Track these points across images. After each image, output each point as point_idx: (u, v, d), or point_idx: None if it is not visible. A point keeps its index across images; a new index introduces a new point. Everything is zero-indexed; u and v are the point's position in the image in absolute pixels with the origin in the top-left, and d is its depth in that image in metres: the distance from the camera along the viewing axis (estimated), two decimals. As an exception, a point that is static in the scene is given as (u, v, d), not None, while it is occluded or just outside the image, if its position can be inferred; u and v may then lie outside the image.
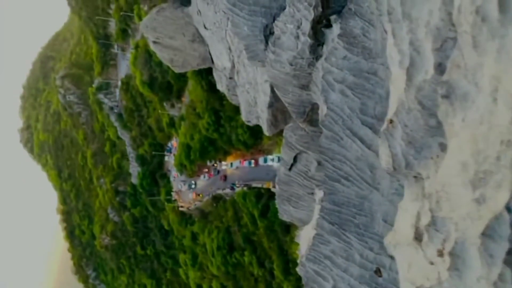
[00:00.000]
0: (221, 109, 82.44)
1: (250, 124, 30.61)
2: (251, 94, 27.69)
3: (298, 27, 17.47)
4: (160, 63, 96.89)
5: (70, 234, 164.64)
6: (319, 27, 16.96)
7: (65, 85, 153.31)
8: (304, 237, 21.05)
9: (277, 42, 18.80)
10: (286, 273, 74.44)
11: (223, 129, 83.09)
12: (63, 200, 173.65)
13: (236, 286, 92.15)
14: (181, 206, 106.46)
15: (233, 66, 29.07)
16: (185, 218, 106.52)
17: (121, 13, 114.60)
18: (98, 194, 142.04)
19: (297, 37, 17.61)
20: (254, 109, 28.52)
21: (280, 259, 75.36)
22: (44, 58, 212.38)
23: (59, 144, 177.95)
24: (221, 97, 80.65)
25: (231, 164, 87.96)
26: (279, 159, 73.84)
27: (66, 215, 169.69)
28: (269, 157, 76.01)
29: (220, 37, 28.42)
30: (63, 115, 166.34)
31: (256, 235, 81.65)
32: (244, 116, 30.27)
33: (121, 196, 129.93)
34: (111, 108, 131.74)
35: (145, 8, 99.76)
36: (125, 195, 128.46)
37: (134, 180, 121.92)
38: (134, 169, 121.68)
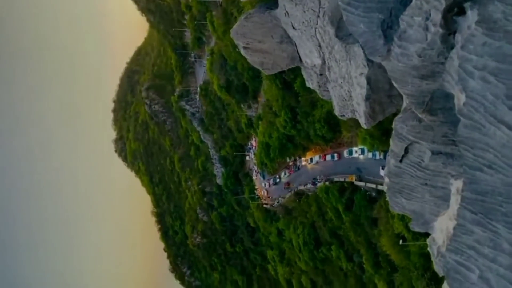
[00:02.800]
0: (297, 106, 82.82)
1: (344, 119, 30.76)
2: (345, 88, 27.94)
3: (427, 18, 17.52)
4: (235, 67, 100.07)
5: (165, 235, 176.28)
6: (450, 15, 16.84)
7: (150, 96, 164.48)
8: (439, 229, 20.93)
9: (403, 36, 18.95)
10: (376, 267, 72.68)
11: (300, 125, 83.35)
12: (156, 203, 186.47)
13: (326, 281, 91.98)
14: (265, 203, 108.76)
15: (324, 62, 29.48)
16: (269, 215, 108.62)
17: (195, 22, 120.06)
18: (187, 195, 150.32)
19: (426, 28, 17.66)
20: (348, 103, 28.74)
21: (369, 252, 73.76)
22: (130, 73, 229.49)
23: (149, 151, 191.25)
24: (296, 94, 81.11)
25: (311, 159, 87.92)
26: (363, 151, 72.35)
27: (160, 217, 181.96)
28: (354, 149, 74.63)
29: (310, 35, 28.99)
30: (150, 124, 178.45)
31: (342, 229, 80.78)
32: (337, 111, 30.52)
33: (208, 196, 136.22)
34: (193, 114, 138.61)
35: (214, 13, 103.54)
36: (212, 196, 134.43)
37: (219, 180, 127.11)
38: (218, 170, 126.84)
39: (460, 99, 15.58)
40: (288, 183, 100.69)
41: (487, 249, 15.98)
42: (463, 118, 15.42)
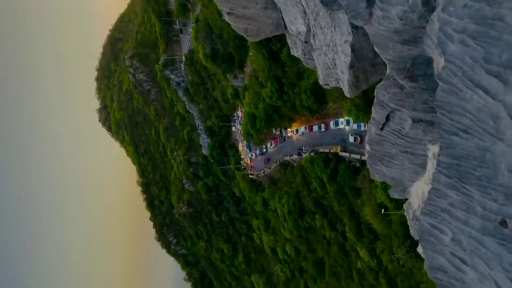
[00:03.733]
0: (283, 76, 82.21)
1: (328, 87, 30.56)
2: (330, 56, 27.58)
3: (409, -20, 17.10)
4: (221, 35, 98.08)
5: (151, 204, 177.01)
6: (432, -24, 16.47)
7: (134, 65, 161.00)
8: (415, 193, 21.37)
9: (385, -2, 18.51)
10: (359, 235, 74.64)
11: (286, 96, 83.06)
12: (142, 173, 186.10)
13: (309, 249, 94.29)
14: (251, 174, 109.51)
15: (309, 29, 28.91)
16: (255, 185, 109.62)
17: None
18: (173, 166, 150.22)
19: (408, -10, 17.24)
20: (333, 71, 28.46)
21: (352, 221, 75.54)
22: (113, 40, 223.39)
23: (134, 121, 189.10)
24: (282, 64, 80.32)
25: (297, 130, 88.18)
26: (348, 122, 72.80)
27: (146, 187, 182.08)
28: (340, 120, 74.94)
29: (294, 1, 28.29)
30: (135, 93, 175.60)
31: (326, 199, 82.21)
32: (321, 80, 30.26)
33: (194, 167, 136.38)
34: (178, 84, 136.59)
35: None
36: (198, 166, 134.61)
37: (205, 151, 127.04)
38: (204, 140, 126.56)
39: (439, 63, 15.54)
40: (267, 159, 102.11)
41: (460, 212, 16.50)
42: (441, 83, 15.43)
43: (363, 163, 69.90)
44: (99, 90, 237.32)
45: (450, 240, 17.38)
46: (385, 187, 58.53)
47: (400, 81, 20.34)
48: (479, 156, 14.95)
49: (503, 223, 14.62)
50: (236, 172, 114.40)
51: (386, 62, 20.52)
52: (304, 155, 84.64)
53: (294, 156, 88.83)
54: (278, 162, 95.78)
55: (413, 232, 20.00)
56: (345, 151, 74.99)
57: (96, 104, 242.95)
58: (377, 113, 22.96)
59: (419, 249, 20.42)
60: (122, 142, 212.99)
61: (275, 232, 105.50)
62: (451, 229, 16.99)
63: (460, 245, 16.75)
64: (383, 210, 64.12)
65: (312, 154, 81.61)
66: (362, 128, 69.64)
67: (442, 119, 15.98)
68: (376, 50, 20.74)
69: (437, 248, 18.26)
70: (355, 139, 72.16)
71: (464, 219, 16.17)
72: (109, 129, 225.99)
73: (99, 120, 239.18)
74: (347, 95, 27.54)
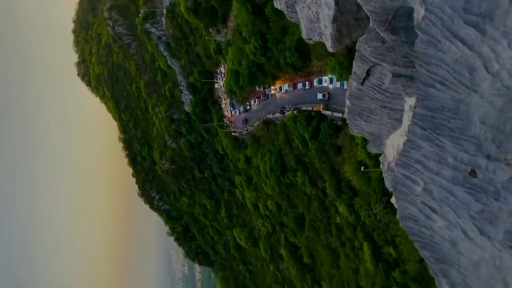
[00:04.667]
0: (267, 32, 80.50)
1: (311, 42, 30.23)
2: (313, 10, 27.13)
3: None
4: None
5: (133, 161, 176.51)
6: None
7: (112, 17, 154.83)
8: (390, 145, 21.87)
9: None
10: (338, 192, 76.54)
11: (270, 53, 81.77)
12: (123, 129, 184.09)
13: (290, 204, 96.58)
14: (234, 132, 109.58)
15: None
16: (238, 142, 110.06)
17: None
18: (155, 122, 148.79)
19: None
20: (316, 25, 28.12)
21: (332, 178, 77.14)
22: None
23: (114, 76, 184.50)
24: (267, 19, 78.40)
25: (280, 88, 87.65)
26: (332, 80, 72.64)
27: (127, 143, 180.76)
28: (324, 78, 74.64)
29: None
30: (114, 47, 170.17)
31: (308, 156, 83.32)
32: (304, 34, 29.87)
33: (176, 123, 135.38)
34: (159, 38, 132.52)
35: None
36: (180, 123, 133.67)
37: (187, 108, 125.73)
38: (186, 97, 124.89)
39: (419, 13, 15.48)
40: (245, 119, 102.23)
41: (432, 163, 17.09)
42: (421, 33, 15.46)
43: (345, 121, 70.49)
44: (76, 43, 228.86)
45: (422, 190, 18.05)
46: (365, 145, 59.51)
47: (382, 34, 20.24)
48: (453, 108, 15.27)
49: (473, 173, 15.21)
50: (219, 129, 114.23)
51: (369, 13, 20.31)
52: (287, 113, 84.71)
53: (277, 114, 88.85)
54: (261, 120, 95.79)
55: (387, 183, 20.65)
56: (327, 109, 75.31)
57: (74, 57, 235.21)
58: (358, 67, 22.95)
59: (393, 200, 21.19)
60: (102, 98, 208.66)
61: (257, 189, 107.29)
62: (423, 180, 17.57)
63: (431, 194, 17.41)
64: (362, 167, 65.50)
65: (295, 112, 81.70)
66: (346, 87, 69.67)
67: (420, 70, 16.13)
68: (359, 1, 20.43)
69: (409, 198, 18.96)
70: (323, 96, 73.59)
71: (436, 169, 16.72)
72: (88, 83, 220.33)
73: (78, 74, 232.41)
74: (330, 49, 27.33)
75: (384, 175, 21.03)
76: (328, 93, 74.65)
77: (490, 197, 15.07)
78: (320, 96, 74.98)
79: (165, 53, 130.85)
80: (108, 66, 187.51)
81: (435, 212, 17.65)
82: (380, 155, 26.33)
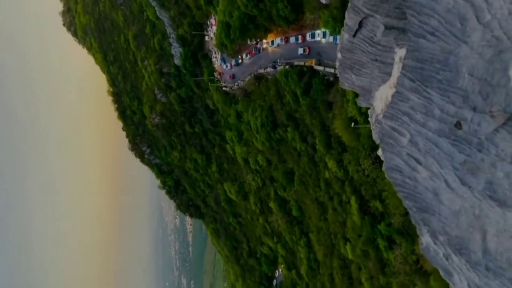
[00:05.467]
0: (260, -18, 77.81)
1: None
2: None
3: None
4: None
5: (122, 114, 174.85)
6: None
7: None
8: (379, 97, 21.93)
9: None
10: (328, 147, 77.39)
11: (263, 5, 79.42)
12: (112, 82, 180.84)
13: (280, 160, 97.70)
14: (225, 86, 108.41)
15: None
16: (229, 97, 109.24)
17: None
18: (144, 76, 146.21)
19: None
20: None
21: (322, 134, 77.71)
22: None
23: (101, 27, 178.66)
24: (260, -32, 75.47)
25: (272, 42, 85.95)
26: (325, 34, 71.27)
27: (117, 97, 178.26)
28: (317, 32, 73.11)
29: None
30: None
31: (299, 112, 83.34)
32: None
33: (166, 77, 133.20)
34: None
35: None
36: (170, 76, 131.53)
37: (177, 61, 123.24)
38: (176, 50, 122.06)
39: None
40: (233, 75, 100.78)
41: (419, 114, 17.33)
42: None
43: (336, 77, 69.95)
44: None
45: (408, 141, 18.37)
46: (355, 101, 59.51)
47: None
48: (443, 59, 15.23)
49: (458, 125, 15.45)
50: (209, 84, 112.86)
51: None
52: (278, 68, 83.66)
53: (269, 69, 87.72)
54: (252, 75, 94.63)
55: (374, 135, 20.91)
56: (320, 64, 74.46)
57: (59, 6, 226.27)
58: (350, 19, 22.50)
59: (379, 152, 21.55)
60: (89, 49, 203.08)
61: (247, 144, 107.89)
62: (410, 132, 17.83)
63: (417, 146, 17.74)
64: (353, 123, 65.93)
65: (286, 67, 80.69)
66: (338, 41, 68.59)
67: (411, 21, 15.92)
68: None
69: (395, 149, 19.29)
70: (304, 51, 73.98)
71: (423, 121, 16.95)
72: (74, 34, 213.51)
73: (64, 25, 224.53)
74: (323, 1, 26.57)
75: (372, 127, 21.27)
76: (309, 48, 73.75)
77: (474, 149, 15.44)
78: (300, 51, 74.52)
79: (154, 3, 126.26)
80: (94, 16, 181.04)
81: (419, 163, 18.09)
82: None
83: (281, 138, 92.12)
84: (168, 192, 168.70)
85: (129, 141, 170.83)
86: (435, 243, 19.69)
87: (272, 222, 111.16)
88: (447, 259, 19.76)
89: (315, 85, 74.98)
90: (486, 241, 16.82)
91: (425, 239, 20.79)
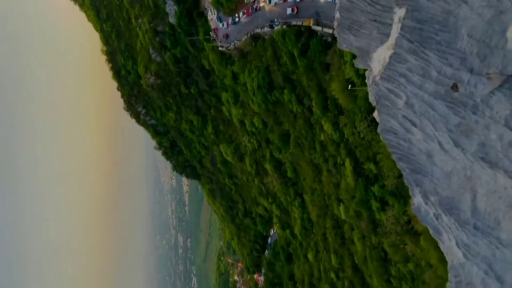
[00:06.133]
0: None
1: None
2: None
3: None
4: None
5: (117, 74, 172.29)
6: None
7: None
8: (377, 59, 21.74)
9: None
10: (324, 110, 77.29)
11: (260, -40, 76.80)
12: (106, 40, 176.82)
13: (276, 122, 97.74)
14: (221, 46, 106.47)
15: None
16: (225, 58, 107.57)
17: None
18: (138, 34, 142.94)
19: None
20: None
21: (319, 96, 77.36)
22: None
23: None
24: None
25: (269, 0, 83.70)
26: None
27: (111, 56, 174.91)
28: (315, -10, 71.26)
29: None
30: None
31: (296, 74, 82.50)
32: None
33: (161, 36, 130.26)
34: None
35: None
36: (165, 35, 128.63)
37: (172, 19, 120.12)
38: (171, 7, 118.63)
39: None
40: (226, 35, 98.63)
41: (416, 76, 17.31)
42: None
43: (334, 37, 68.75)
44: None
45: (404, 103, 18.43)
46: (353, 63, 58.85)
47: None
48: (442, 20, 15.02)
49: (455, 87, 15.48)
50: (205, 43, 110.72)
51: None
52: (276, 28, 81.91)
53: (266, 29, 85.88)
54: (249, 35, 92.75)
55: (371, 97, 20.91)
56: (317, 24, 72.95)
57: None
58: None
59: (375, 114, 21.62)
60: (81, 6, 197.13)
61: (243, 106, 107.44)
62: (406, 93, 17.86)
63: (412, 108, 17.83)
64: (350, 85, 65.49)
65: (284, 27, 79.02)
66: (337, 1, 66.91)
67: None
68: None
69: (391, 111, 19.37)
70: (292, 10, 73.88)
71: (420, 83, 16.94)
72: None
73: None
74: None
75: (369, 89, 21.21)
76: (297, 7, 73.12)
77: (469, 111, 15.59)
78: (289, 10, 73.46)
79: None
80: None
81: (414, 125, 18.24)
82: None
83: (277, 100, 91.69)
84: (164, 153, 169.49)
85: (124, 101, 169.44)
86: (426, 203, 20.26)
87: (267, 183, 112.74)
88: (437, 218, 20.41)
89: (313, 46, 73.85)
90: (476, 201, 17.31)
91: (416, 199, 21.35)
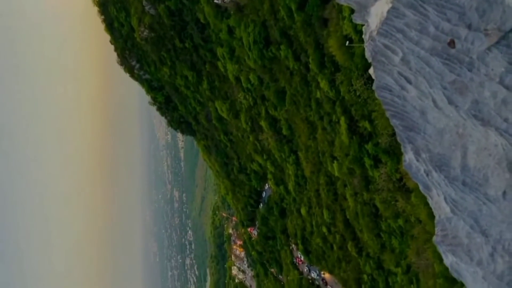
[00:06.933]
0: None
1: None
2: None
3: None
4: None
5: (110, 27, 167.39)
6: None
7: None
8: (374, 13, 21.35)
9: None
10: (321, 67, 76.54)
11: None
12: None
13: (272, 79, 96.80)
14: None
15: None
16: (220, 11, 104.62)
17: None
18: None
19: None
20: None
21: (316, 53, 76.33)
22: None
23: None
24: None
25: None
26: None
27: (103, 7, 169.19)
28: None
29: None
30: None
31: (293, 29, 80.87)
32: None
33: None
34: None
35: None
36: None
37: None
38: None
39: None
40: None
41: (414, 32, 17.15)
42: None
43: (333, -9, 66.81)
44: None
45: (400, 60, 18.32)
46: (352, 19, 57.67)
47: None
48: (442, -27, 14.68)
49: (452, 43, 15.37)
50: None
51: None
52: (273, -20, 79.36)
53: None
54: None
55: (367, 53, 20.74)
56: (316, -23, 70.68)
57: None
58: None
59: (370, 70, 21.52)
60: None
61: (239, 61, 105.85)
62: (402, 49, 17.72)
63: (408, 65, 17.76)
64: (347, 42, 64.55)
65: (282, -21, 76.54)
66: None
67: None
68: None
69: (387, 68, 19.29)
70: None
71: (417, 39, 16.78)
72: None
73: None
74: None
75: (365, 44, 20.99)
76: None
77: (464, 68, 15.57)
78: None
79: None
80: None
81: (409, 82, 18.24)
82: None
83: (274, 56, 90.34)
84: (159, 109, 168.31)
85: (118, 55, 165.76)
86: (417, 160, 20.69)
87: (263, 140, 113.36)
88: (427, 175, 20.91)
89: (311, 0, 71.93)
90: (466, 158, 17.70)
91: (408, 156, 21.77)
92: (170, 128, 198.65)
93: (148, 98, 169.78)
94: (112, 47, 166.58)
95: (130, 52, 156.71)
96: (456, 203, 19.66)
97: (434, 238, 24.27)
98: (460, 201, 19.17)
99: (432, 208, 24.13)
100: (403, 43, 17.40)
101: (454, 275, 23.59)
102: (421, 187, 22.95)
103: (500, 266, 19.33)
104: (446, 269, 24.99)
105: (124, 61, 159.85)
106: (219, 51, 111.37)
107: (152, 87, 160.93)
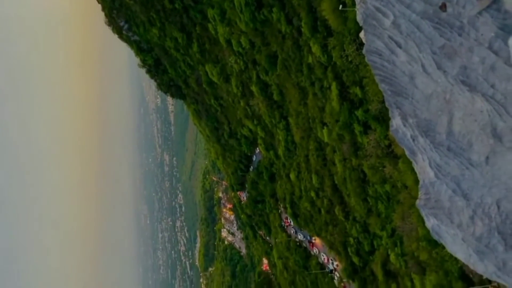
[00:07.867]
0: None
1: None
2: None
3: None
4: None
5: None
6: None
7: None
8: None
9: None
10: (313, 31, 75.34)
11: None
12: None
13: (264, 42, 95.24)
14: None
15: None
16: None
17: None
18: None
19: None
20: None
21: (308, 16, 74.95)
22: None
23: None
24: None
25: None
26: None
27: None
28: None
29: None
30: None
31: (286, -9, 78.90)
32: None
33: None
34: None
35: None
36: None
37: None
38: None
39: None
40: None
41: None
42: None
43: (328, -48, 64.86)
44: None
45: (391, 23, 18.11)
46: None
47: None
48: None
49: (443, 6, 15.17)
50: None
51: None
52: None
53: None
54: None
55: (358, 16, 20.44)
56: None
57: None
58: None
59: (361, 34, 21.35)
60: None
61: (230, 24, 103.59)
62: (394, 13, 17.47)
63: (399, 28, 17.59)
64: (341, 6, 63.34)
65: None
66: None
67: None
68: None
69: (377, 31, 19.10)
70: None
71: (408, 2, 16.54)
72: None
73: None
74: None
75: (357, 7, 20.63)
76: None
77: (455, 33, 15.47)
78: None
79: None
80: None
81: (399, 46, 18.14)
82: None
83: (265, 19, 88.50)
84: (149, 71, 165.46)
85: (105, 15, 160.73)
86: (404, 125, 20.90)
87: (253, 105, 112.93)
88: (413, 140, 21.20)
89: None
90: (452, 124, 17.91)
91: (395, 121, 21.96)
92: (160, 91, 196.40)
93: (137, 60, 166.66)
94: (100, 6, 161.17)
95: (118, 12, 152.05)
96: (440, 168, 20.09)
97: (417, 201, 24.93)
98: (444, 166, 19.57)
99: (417, 172, 24.64)
100: (395, 5, 17.14)
101: (435, 237, 24.46)
102: (407, 152, 23.32)
103: (480, 228, 20.07)
104: (429, 232, 25.86)
105: (112, 21, 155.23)
106: (210, 12, 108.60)
107: (141, 49, 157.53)
